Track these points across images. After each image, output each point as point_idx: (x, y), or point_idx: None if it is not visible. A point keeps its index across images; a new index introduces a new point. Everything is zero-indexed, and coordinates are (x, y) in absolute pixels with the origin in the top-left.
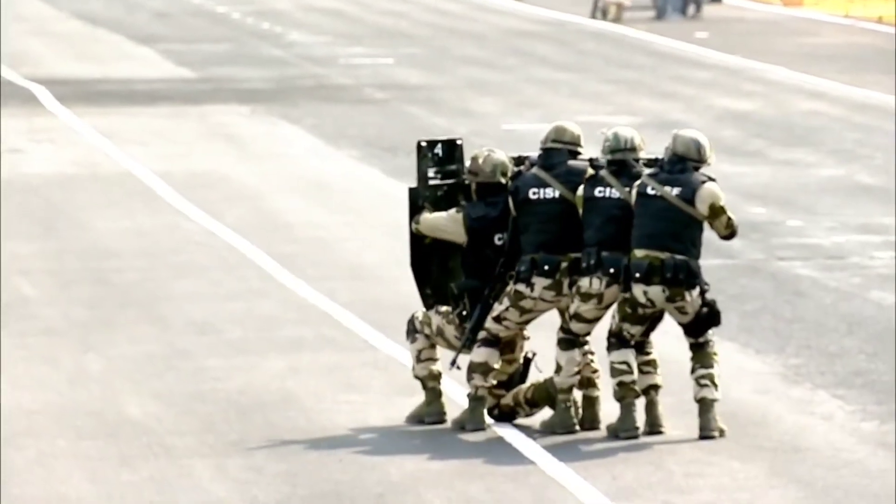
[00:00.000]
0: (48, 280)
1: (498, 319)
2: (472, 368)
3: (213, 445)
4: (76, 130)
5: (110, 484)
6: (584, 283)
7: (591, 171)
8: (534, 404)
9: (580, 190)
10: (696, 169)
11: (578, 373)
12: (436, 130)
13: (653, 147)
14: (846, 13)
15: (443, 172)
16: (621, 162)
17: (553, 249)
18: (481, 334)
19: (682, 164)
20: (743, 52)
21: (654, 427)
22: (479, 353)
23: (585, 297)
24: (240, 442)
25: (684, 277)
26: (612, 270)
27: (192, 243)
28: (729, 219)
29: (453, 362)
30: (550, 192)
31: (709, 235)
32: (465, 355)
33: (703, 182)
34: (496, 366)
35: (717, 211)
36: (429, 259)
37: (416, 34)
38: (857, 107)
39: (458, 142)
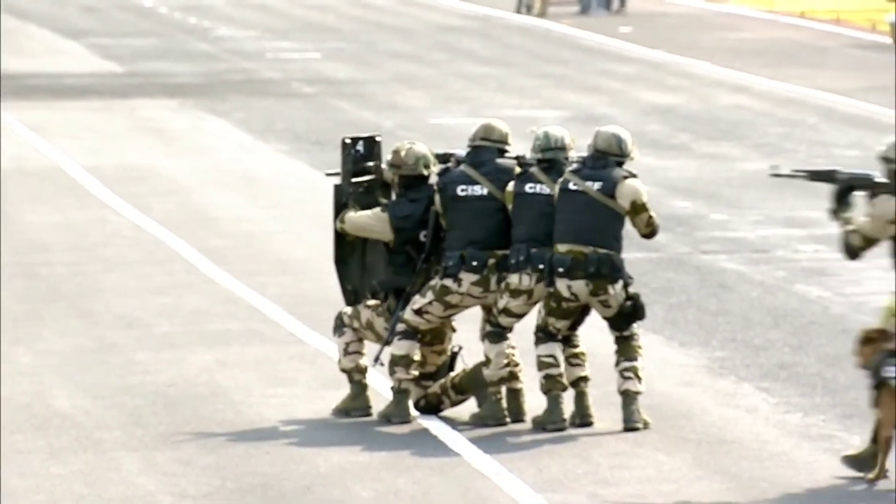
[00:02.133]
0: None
1: (419, 312)
2: (394, 361)
3: (141, 438)
4: (4, 125)
5: (39, 477)
6: (513, 279)
7: (519, 169)
8: (461, 391)
9: (510, 186)
10: (619, 164)
11: (507, 365)
12: (363, 124)
13: (580, 142)
14: (770, 8)
15: (363, 169)
16: (552, 160)
17: (481, 245)
18: (401, 327)
19: (604, 159)
20: (667, 47)
21: (583, 418)
22: (400, 346)
23: (515, 293)
24: (168, 435)
25: (607, 271)
26: (541, 266)
27: (121, 237)
28: (650, 217)
29: (376, 359)
30: (479, 190)
31: (632, 229)
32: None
33: (625, 178)
34: (417, 357)
35: (638, 208)
36: (351, 256)
37: (344, 29)
38: (780, 101)
39: (378, 138)
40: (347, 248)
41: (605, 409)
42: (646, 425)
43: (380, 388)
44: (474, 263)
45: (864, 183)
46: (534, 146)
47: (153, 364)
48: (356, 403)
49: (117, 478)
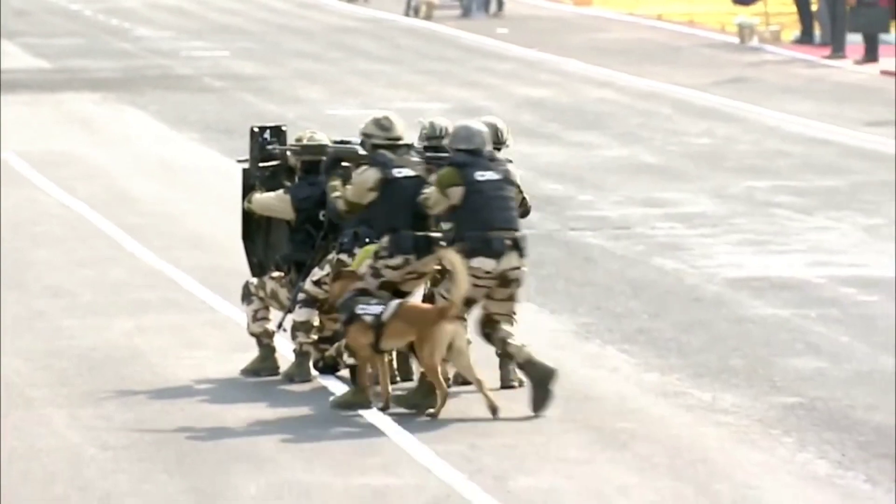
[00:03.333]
0: None
1: (318, 283)
2: (296, 327)
3: (67, 396)
4: None
5: None
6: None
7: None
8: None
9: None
10: (497, 150)
11: None
12: (268, 115)
13: None
14: (631, 11)
15: (269, 155)
16: (436, 148)
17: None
18: (301, 296)
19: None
20: (540, 47)
21: (464, 378)
22: (301, 314)
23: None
24: (92, 393)
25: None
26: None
27: (49, 215)
28: (524, 199)
29: (279, 325)
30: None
31: None
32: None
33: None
34: (316, 323)
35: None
36: (257, 233)
37: (251, 30)
38: (640, 95)
39: (283, 128)
40: (254, 226)
41: (483, 369)
42: (520, 384)
43: (284, 351)
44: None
45: (350, 155)
46: (420, 135)
47: (78, 330)
48: (265, 364)
49: (46, 432)
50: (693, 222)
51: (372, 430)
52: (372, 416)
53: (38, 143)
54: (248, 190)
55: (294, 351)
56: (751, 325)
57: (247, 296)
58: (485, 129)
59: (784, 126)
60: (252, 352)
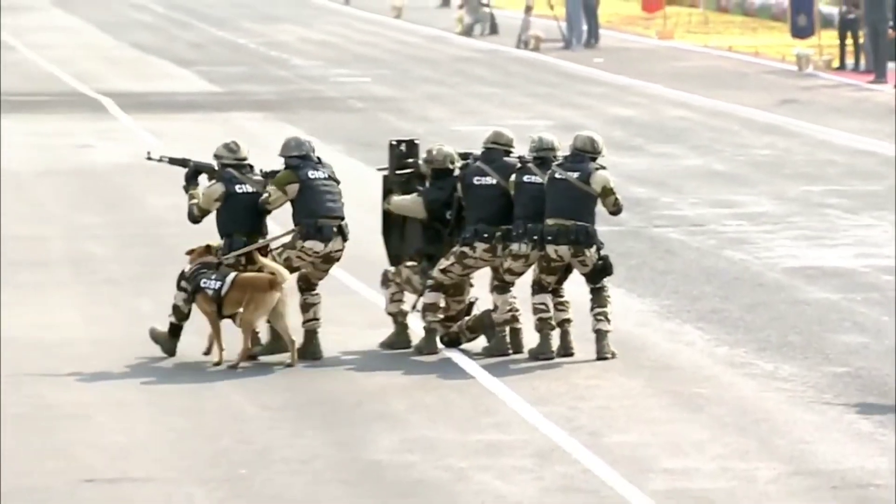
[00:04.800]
0: (111, 242)
1: (444, 271)
2: (425, 308)
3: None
4: (132, 130)
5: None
6: (514, 246)
7: (519, 164)
8: (473, 331)
9: (513, 177)
10: (592, 159)
11: (510, 310)
12: (402, 131)
13: (564, 143)
14: (705, 44)
15: (405, 164)
16: (543, 158)
17: (490, 222)
18: (430, 282)
19: (581, 156)
20: (629, 73)
21: (567, 350)
22: (429, 297)
23: (516, 257)
24: (254, 362)
25: (584, 239)
26: (535, 237)
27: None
28: (616, 199)
29: (414, 306)
30: (489, 180)
31: (603, 208)
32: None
33: (597, 169)
34: (443, 305)
35: (606, 191)
36: (394, 229)
37: (387, 59)
38: (712, 113)
39: (416, 141)
40: (391, 223)
41: (582, 343)
42: (613, 356)
43: (415, 328)
44: (485, 235)
45: (206, 169)
46: (531, 147)
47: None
48: (399, 339)
49: (212, 394)
50: (757, 220)
51: (488, 394)
52: (488, 382)
53: (209, 153)
54: (387, 193)
55: (423, 328)
56: (805, 307)
57: (385, 281)
58: (308, 139)
59: (833, 140)
60: (388, 328)
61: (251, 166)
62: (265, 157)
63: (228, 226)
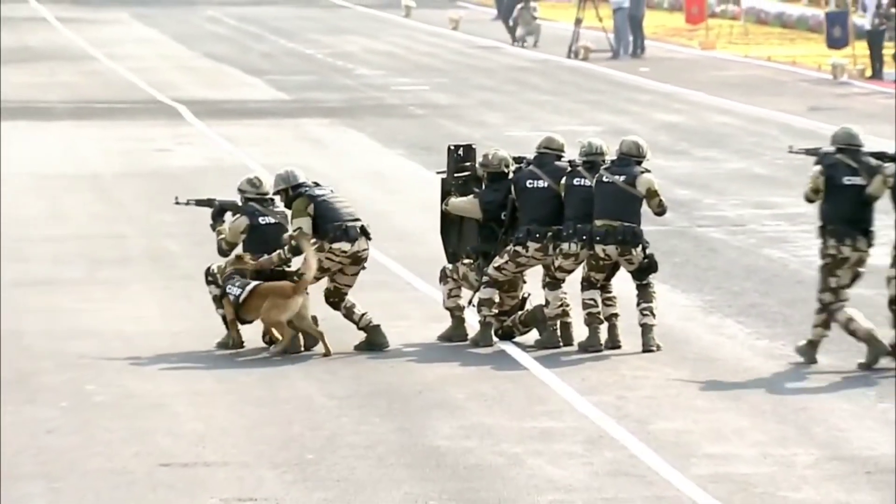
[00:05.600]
0: (187, 240)
1: (498, 269)
2: (481, 303)
3: (301, 356)
4: (207, 136)
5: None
6: (565, 246)
7: (569, 168)
8: (526, 325)
9: (563, 180)
10: (638, 163)
11: (561, 305)
12: (459, 136)
13: (612, 148)
14: (745, 54)
15: (462, 167)
16: (592, 162)
17: (542, 223)
18: (485, 279)
19: (627, 159)
20: (673, 82)
21: (614, 343)
22: (485, 292)
23: (566, 255)
24: (319, 354)
25: (630, 238)
26: (584, 237)
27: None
28: (660, 200)
29: (470, 301)
30: (542, 183)
31: (648, 209)
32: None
33: (642, 172)
34: (497, 300)
35: (651, 193)
36: (452, 228)
37: (445, 69)
38: (752, 120)
39: (473, 146)
40: (449, 223)
41: (629, 336)
42: (658, 348)
43: (471, 322)
44: (537, 235)
45: (231, 207)
46: (580, 152)
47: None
48: (457, 332)
49: (285, 384)
50: (795, 220)
51: (540, 384)
52: (541, 372)
53: (279, 157)
54: (445, 195)
55: (479, 322)
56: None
57: (443, 278)
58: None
59: (867, 144)
60: (446, 322)
61: (272, 199)
62: (332, 160)
63: (255, 255)
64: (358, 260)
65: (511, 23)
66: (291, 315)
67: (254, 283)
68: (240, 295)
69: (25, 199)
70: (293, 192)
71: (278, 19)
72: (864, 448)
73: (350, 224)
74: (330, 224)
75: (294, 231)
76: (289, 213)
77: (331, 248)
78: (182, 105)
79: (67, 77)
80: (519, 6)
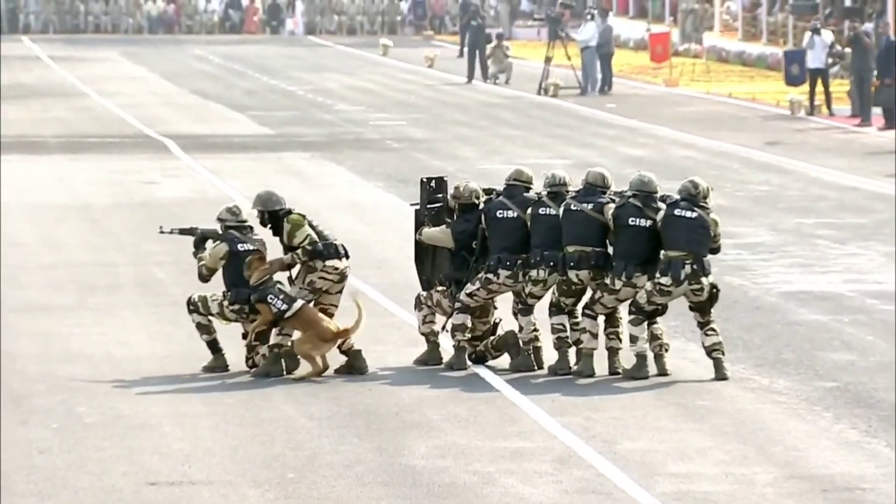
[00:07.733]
0: (174, 268)
1: (470, 296)
2: (454, 328)
3: (283, 379)
4: (193, 168)
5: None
6: (533, 272)
7: (535, 198)
8: (497, 349)
9: (529, 210)
10: (603, 192)
11: (533, 330)
12: (434, 169)
13: (577, 179)
14: (707, 91)
15: (435, 199)
16: (556, 192)
17: (512, 251)
18: (458, 305)
19: (593, 189)
20: (639, 117)
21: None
22: (458, 318)
23: (535, 282)
24: (314, 382)
25: (603, 263)
26: (552, 263)
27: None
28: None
29: (444, 326)
30: (511, 213)
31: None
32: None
33: (608, 202)
34: (470, 325)
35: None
36: (425, 257)
37: (421, 105)
38: (714, 153)
39: (445, 178)
40: (423, 252)
41: (596, 360)
42: (623, 371)
43: (446, 346)
44: (508, 263)
45: (212, 234)
46: (545, 183)
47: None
48: (432, 356)
49: (268, 405)
50: (755, 249)
51: (512, 406)
52: (512, 394)
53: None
54: (419, 225)
55: (453, 346)
56: (798, 328)
57: (418, 304)
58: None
59: (824, 177)
60: (422, 347)
61: (251, 227)
62: (313, 192)
63: (234, 280)
64: (343, 277)
65: (479, 60)
66: (320, 354)
67: (300, 302)
68: (286, 311)
69: (21, 229)
70: (284, 210)
71: (262, 57)
72: (820, 467)
73: (336, 242)
74: (322, 241)
75: (303, 240)
76: (264, 238)
77: (324, 266)
78: (169, 139)
79: (60, 113)
80: (492, 45)
